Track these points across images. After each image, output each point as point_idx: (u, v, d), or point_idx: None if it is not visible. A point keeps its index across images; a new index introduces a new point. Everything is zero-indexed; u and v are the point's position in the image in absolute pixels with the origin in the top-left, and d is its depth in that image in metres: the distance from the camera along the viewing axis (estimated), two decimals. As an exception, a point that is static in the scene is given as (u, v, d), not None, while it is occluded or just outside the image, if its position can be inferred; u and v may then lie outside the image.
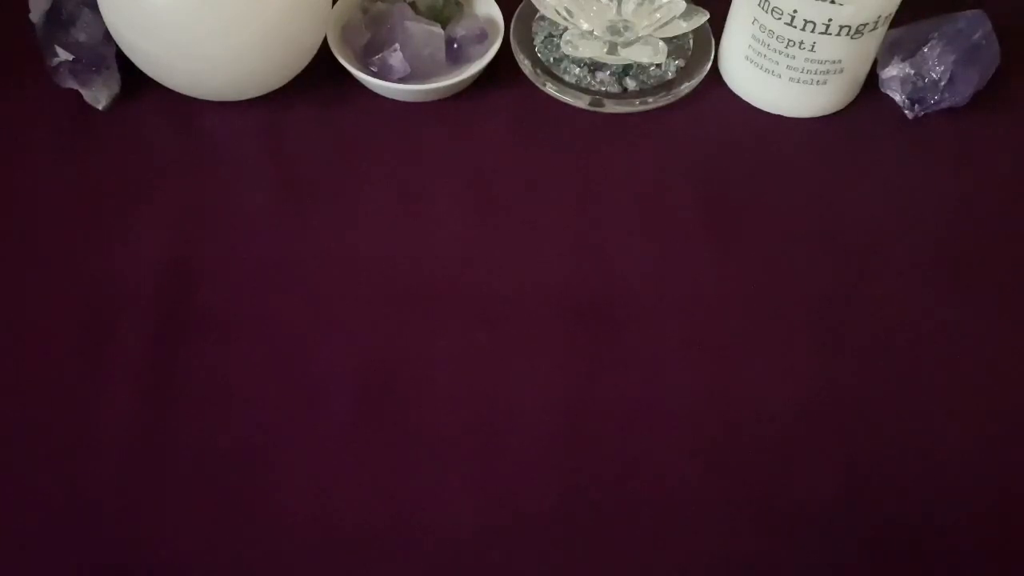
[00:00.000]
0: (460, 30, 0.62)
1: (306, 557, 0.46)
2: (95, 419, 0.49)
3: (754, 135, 0.62)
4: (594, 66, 0.63)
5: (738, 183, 0.59)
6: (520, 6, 0.66)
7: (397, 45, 0.60)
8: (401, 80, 0.61)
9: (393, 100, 0.62)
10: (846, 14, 0.56)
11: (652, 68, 0.63)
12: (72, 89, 0.61)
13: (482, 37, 0.63)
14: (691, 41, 0.65)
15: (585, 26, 0.62)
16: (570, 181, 0.59)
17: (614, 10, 0.63)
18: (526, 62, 0.63)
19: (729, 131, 0.62)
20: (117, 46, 0.60)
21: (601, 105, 0.62)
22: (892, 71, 0.62)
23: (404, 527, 0.47)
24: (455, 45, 0.62)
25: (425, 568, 0.46)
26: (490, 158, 0.60)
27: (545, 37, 0.65)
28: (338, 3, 0.63)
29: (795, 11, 0.57)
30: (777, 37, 0.59)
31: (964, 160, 0.61)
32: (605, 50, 0.62)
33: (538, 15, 0.65)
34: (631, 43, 0.62)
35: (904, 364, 0.52)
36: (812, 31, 0.57)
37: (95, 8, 0.58)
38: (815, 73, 0.60)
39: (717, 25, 0.64)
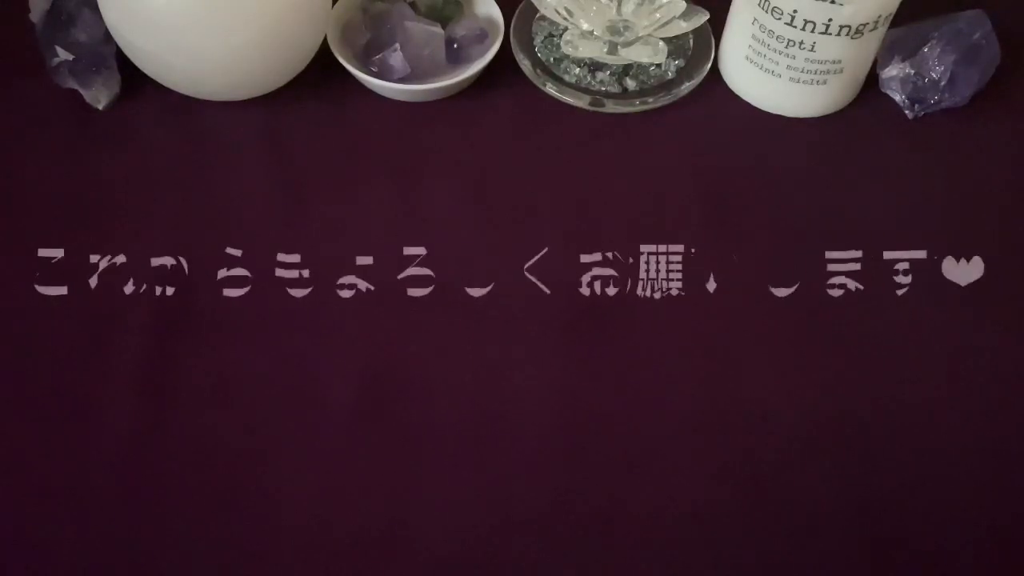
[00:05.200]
0: (460, 30, 0.62)
1: (305, 558, 0.46)
2: (95, 419, 0.49)
3: (754, 135, 0.62)
4: (594, 66, 0.63)
5: (738, 183, 0.59)
6: (520, 6, 0.66)
7: (397, 45, 0.60)
8: (401, 80, 0.61)
9: (393, 100, 0.62)
10: (846, 14, 0.56)
11: (652, 68, 0.63)
12: (72, 89, 0.61)
13: (482, 37, 0.63)
14: (691, 41, 0.65)
15: (585, 26, 0.62)
16: (570, 181, 0.59)
17: (614, 10, 0.63)
18: (526, 62, 0.63)
19: (729, 131, 0.62)
20: (117, 46, 0.60)
21: (601, 105, 0.62)
22: (892, 71, 0.62)
23: (403, 528, 0.47)
24: (455, 45, 0.62)
25: (424, 568, 0.46)
26: (490, 158, 0.60)
27: (545, 37, 0.65)
28: (338, 3, 0.63)
29: (795, 11, 0.57)
30: (777, 37, 0.59)
31: (964, 160, 0.61)
32: (605, 50, 0.62)
33: (538, 15, 0.65)
34: (631, 43, 0.62)
35: (905, 366, 0.52)
36: (812, 31, 0.57)
37: (95, 8, 0.58)
38: (815, 73, 0.60)
39: (717, 25, 0.64)
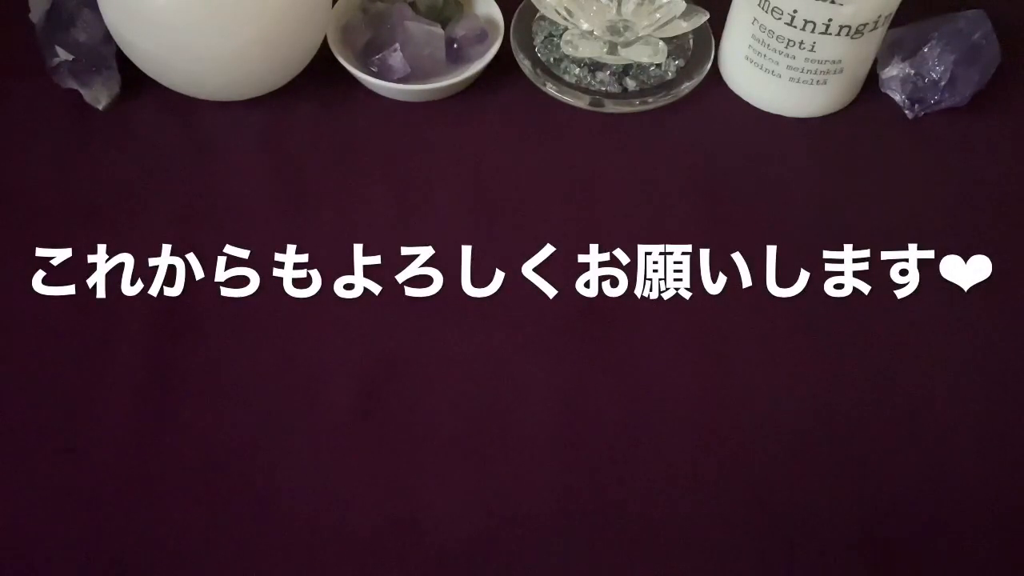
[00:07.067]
0: (460, 30, 0.62)
1: (306, 558, 0.46)
2: (96, 418, 0.49)
3: (754, 135, 0.62)
4: (594, 66, 0.63)
5: (738, 183, 0.59)
6: (520, 6, 0.66)
7: (397, 45, 0.60)
8: (401, 80, 0.61)
9: (393, 100, 0.62)
10: (846, 14, 0.56)
11: (652, 68, 0.63)
12: (72, 89, 0.61)
13: (482, 37, 0.63)
14: (691, 41, 0.65)
15: (585, 26, 0.62)
16: (570, 181, 0.59)
17: (614, 10, 0.63)
18: (526, 62, 0.63)
19: (729, 131, 0.62)
20: (117, 46, 0.60)
21: (601, 105, 0.62)
22: (892, 71, 0.62)
23: (404, 526, 0.47)
24: (455, 45, 0.62)
25: (425, 568, 0.46)
26: (490, 158, 0.60)
27: (545, 37, 0.65)
28: (338, 3, 0.63)
29: (795, 11, 0.57)
30: (777, 37, 0.59)
31: (964, 160, 0.61)
32: (605, 50, 0.62)
33: (538, 15, 0.65)
34: (631, 43, 0.62)
35: (905, 365, 0.52)
36: (812, 31, 0.57)
37: (95, 8, 0.58)
38: (815, 73, 0.60)
39: (717, 25, 0.64)
